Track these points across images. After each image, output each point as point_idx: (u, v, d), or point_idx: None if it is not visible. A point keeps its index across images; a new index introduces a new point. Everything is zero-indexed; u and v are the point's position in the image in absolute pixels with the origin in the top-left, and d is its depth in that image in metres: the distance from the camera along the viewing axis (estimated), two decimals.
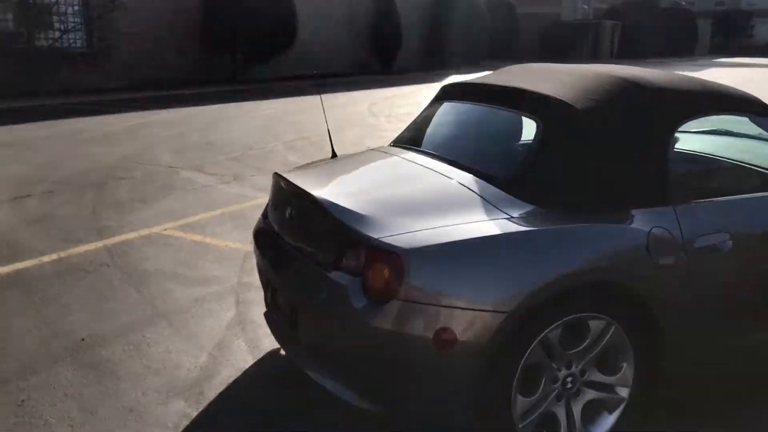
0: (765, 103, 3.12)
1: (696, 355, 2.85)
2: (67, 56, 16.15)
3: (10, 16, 15.72)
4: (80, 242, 5.16)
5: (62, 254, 4.88)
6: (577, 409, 2.63)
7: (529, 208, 2.61)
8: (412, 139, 3.47)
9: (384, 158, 3.30)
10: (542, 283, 2.40)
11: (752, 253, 2.88)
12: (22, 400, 3.00)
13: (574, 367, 2.58)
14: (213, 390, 3.11)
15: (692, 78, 3.13)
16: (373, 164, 3.30)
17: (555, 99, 2.85)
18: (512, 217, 2.55)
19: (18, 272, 4.51)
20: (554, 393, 2.58)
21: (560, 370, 2.56)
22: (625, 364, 2.66)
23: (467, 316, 2.35)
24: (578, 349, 2.56)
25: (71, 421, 2.85)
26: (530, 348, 2.44)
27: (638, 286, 2.58)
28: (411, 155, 3.21)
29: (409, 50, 27.58)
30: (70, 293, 4.19)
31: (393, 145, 3.51)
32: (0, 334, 3.62)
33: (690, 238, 2.70)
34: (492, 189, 2.71)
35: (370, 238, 2.46)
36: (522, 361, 2.43)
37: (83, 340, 3.58)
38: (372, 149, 3.55)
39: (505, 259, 2.43)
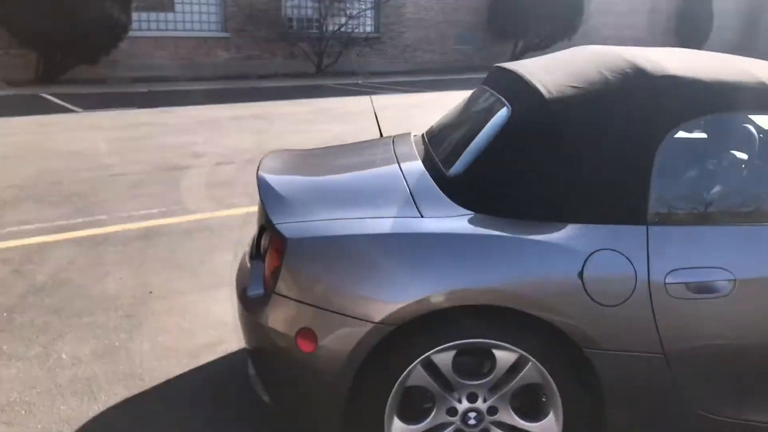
0: None
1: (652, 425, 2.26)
2: (352, 40, 17.44)
3: (310, 3, 17.45)
4: (232, 206, 5.64)
5: (205, 215, 5.40)
6: None
7: (453, 210, 2.28)
8: (433, 127, 3.21)
9: (380, 146, 3.09)
10: (427, 296, 2.09)
11: (761, 305, 2.17)
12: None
13: (479, 402, 2.22)
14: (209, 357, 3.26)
15: (747, 68, 2.42)
16: (359, 152, 3.11)
17: (531, 86, 2.44)
18: (422, 218, 2.25)
19: (148, 228, 5.09)
20: (451, 427, 2.24)
21: (460, 402, 2.22)
22: (551, 412, 2.21)
23: (332, 319, 2.15)
24: (483, 381, 2.20)
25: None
26: (409, 368, 2.15)
27: (562, 322, 2.11)
28: (406, 146, 2.97)
29: (720, 42, 24.78)
30: (179, 249, 4.64)
31: (419, 134, 3.28)
32: (95, 278, 4.16)
33: (661, 271, 2.13)
34: (429, 186, 2.42)
35: (271, 222, 2.37)
36: (398, 381, 2.16)
37: (151, 293, 3.95)
38: (390, 136, 3.34)
39: (387, 262, 2.16)
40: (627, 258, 2.14)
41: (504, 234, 2.17)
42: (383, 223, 2.24)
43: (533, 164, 2.29)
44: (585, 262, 2.12)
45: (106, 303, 3.80)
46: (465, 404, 2.22)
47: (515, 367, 2.18)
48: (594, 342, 2.13)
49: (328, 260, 2.20)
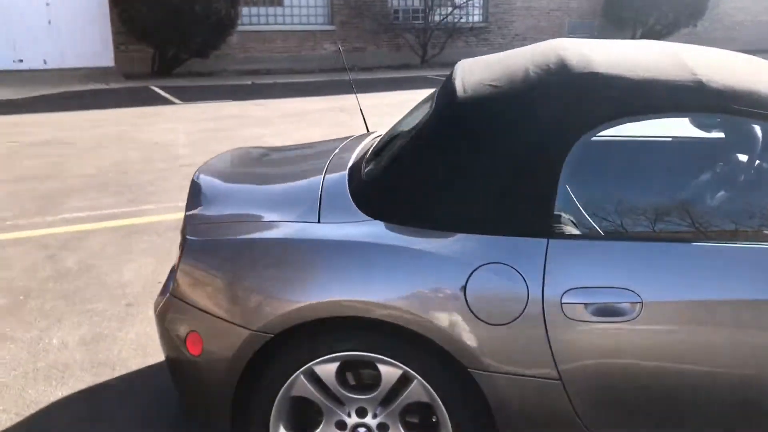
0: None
1: None
2: (457, 30, 17.21)
3: None
4: None
5: None
6: None
7: (352, 216, 2.18)
8: (391, 128, 3.07)
9: (329, 147, 2.98)
10: (305, 305, 2.02)
11: (670, 333, 1.92)
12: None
13: (369, 417, 2.12)
14: None
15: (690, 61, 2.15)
16: (309, 153, 3.01)
17: (451, 85, 2.29)
18: (318, 223, 2.17)
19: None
20: None
21: (350, 416, 2.13)
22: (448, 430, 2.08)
23: (216, 324, 2.13)
24: (370, 395, 2.10)
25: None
26: (292, 378, 2.09)
27: (444, 339, 1.97)
28: (352, 148, 2.85)
29: None
30: None
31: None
32: (116, 266, 4.35)
33: (558, 289, 1.94)
34: (341, 191, 2.32)
35: (184, 221, 2.37)
36: (281, 391, 2.10)
37: (159, 282, 4.09)
38: (350, 136, 3.21)
39: (269, 268, 2.10)
40: (519, 273, 1.96)
41: (389, 243, 2.05)
42: (275, 228, 2.18)
43: (433, 169, 2.14)
44: (470, 276, 1.96)
45: (115, 291, 3.97)
46: (354, 419, 2.13)
47: (401, 384, 2.07)
48: (480, 363, 1.98)
49: (217, 263, 2.17)
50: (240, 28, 15.27)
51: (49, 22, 14.25)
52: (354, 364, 2.09)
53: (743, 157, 2.22)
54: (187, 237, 2.24)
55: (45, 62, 14.37)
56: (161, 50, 14.19)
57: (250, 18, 15.91)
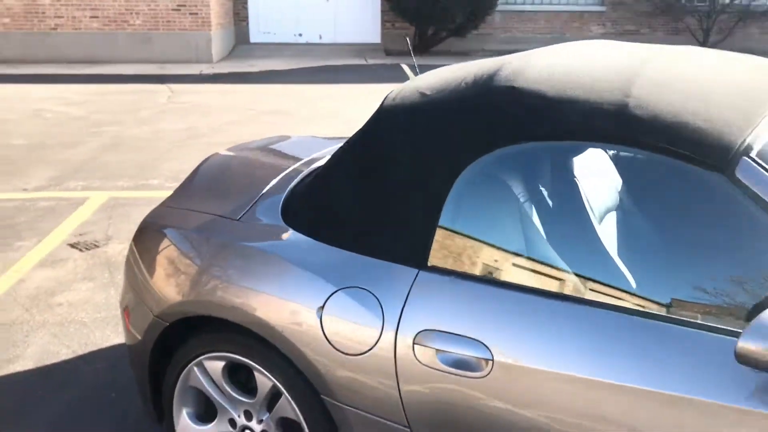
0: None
1: None
2: (750, 14, 15.22)
3: None
4: None
5: None
6: None
7: (270, 219, 2.15)
8: None
9: (317, 145, 2.88)
10: (189, 300, 2.07)
11: (522, 402, 1.60)
12: None
13: (253, 421, 2.10)
14: None
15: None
16: (302, 147, 2.92)
17: (391, 94, 2.13)
18: (235, 221, 2.18)
19: None
20: None
21: (239, 416, 2.13)
22: None
23: (136, 304, 2.27)
24: (251, 401, 2.08)
25: None
26: (187, 368, 2.15)
27: (298, 359, 1.88)
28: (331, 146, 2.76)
29: None
30: None
31: None
32: None
33: (414, 327, 1.74)
34: (281, 191, 2.29)
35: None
36: (180, 378, 2.18)
37: None
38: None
39: (176, 257, 2.17)
40: (379, 302, 1.78)
41: (266, 250, 1.99)
42: (201, 220, 2.23)
43: (330, 177, 2.03)
44: (329, 297, 1.83)
45: None
46: (242, 420, 2.12)
47: (273, 395, 2.01)
48: (331, 392, 1.85)
49: (145, 246, 2.29)
50: (502, 7, 15.15)
51: (327, 0, 15.46)
52: (239, 366, 2.08)
53: (640, 214, 1.74)
54: (144, 219, 2.39)
55: (320, 37, 15.66)
56: (420, 29, 14.64)
57: None
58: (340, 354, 1.81)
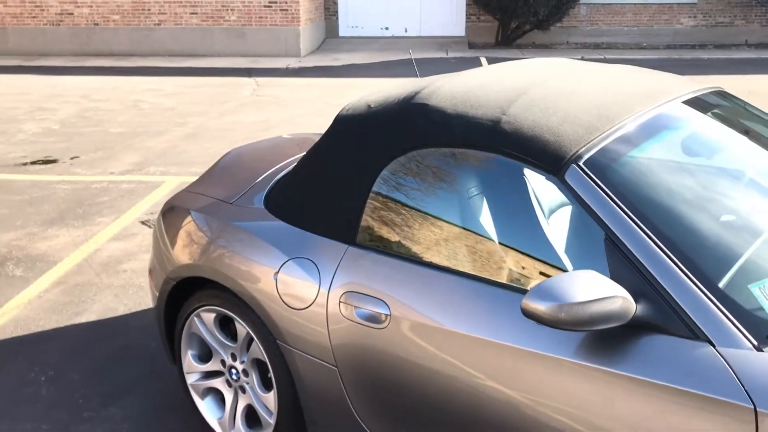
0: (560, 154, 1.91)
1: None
2: None
3: None
4: None
5: None
6: (241, 405, 2.68)
7: (255, 203, 2.69)
8: None
9: None
10: (190, 264, 2.64)
11: (411, 348, 2.06)
12: None
13: (237, 362, 2.65)
14: None
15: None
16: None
17: (346, 105, 2.62)
18: (227, 203, 2.74)
19: None
20: (223, 376, 2.73)
21: (228, 358, 2.69)
22: (274, 388, 2.52)
23: (156, 267, 2.87)
24: (234, 345, 2.63)
25: None
26: (188, 317, 2.72)
27: (260, 313, 2.41)
28: None
29: None
30: None
31: None
32: None
33: (340, 289, 2.24)
34: (271, 181, 2.83)
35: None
36: (185, 326, 2.75)
37: None
38: None
39: (184, 230, 2.74)
40: (318, 270, 2.29)
41: (247, 226, 2.53)
42: (203, 201, 2.80)
43: (298, 169, 2.54)
44: (282, 264, 2.35)
45: None
46: (230, 361, 2.68)
47: (247, 340, 2.55)
48: (282, 337, 2.37)
49: (170, 220, 2.88)
50: (586, 1, 15.15)
51: None
52: (227, 318, 2.63)
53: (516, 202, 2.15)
54: (168, 200, 2.99)
55: (406, 30, 16.15)
56: (503, 22, 14.88)
57: None
58: (289, 308, 2.32)
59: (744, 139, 2.49)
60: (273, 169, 2.94)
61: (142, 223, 5.16)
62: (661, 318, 1.71)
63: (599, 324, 1.66)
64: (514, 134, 2.03)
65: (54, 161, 6.79)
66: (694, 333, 1.66)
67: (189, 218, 2.77)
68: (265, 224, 2.52)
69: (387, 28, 16.12)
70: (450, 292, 2.02)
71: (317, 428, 2.41)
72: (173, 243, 2.75)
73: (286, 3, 13.72)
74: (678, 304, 1.69)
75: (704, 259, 1.78)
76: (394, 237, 2.20)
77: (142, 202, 5.60)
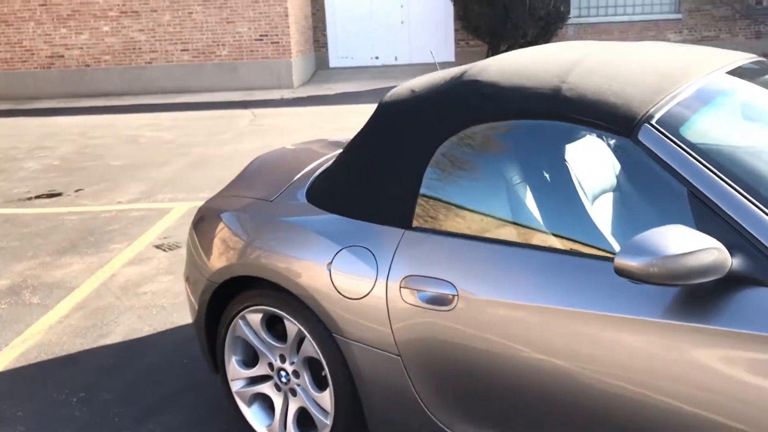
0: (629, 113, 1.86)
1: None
2: None
3: None
4: None
5: None
6: (292, 408, 2.57)
7: (296, 199, 2.62)
8: None
9: None
10: (236, 264, 2.55)
11: (482, 327, 1.97)
12: None
13: (287, 363, 2.55)
14: None
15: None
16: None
17: (389, 93, 2.56)
18: (268, 201, 2.66)
19: None
20: (271, 380, 2.62)
21: (275, 360, 2.58)
22: (329, 387, 2.42)
23: (194, 273, 2.77)
24: (283, 345, 2.53)
25: None
26: (232, 320, 2.62)
27: (314, 306, 2.32)
28: None
29: None
30: None
31: None
32: None
33: (400, 275, 2.15)
34: (309, 179, 2.75)
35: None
36: (228, 330, 2.65)
37: None
38: None
39: (221, 231, 2.66)
40: (374, 257, 2.21)
41: (294, 221, 2.44)
42: (242, 202, 2.72)
43: (343, 161, 2.46)
44: (336, 254, 2.27)
45: None
46: (278, 363, 2.57)
47: (298, 339, 2.45)
48: (339, 330, 2.27)
49: (207, 223, 2.79)
50: (575, 20, 15.34)
51: (402, 22, 16.06)
52: (275, 316, 2.53)
53: (581, 172, 2.08)
54: (203, 204, 2.91)
55: (396, 59, 16.25)
56: (493, 45, 15.01)
57: (588, 10, 15.80)
58: (345, 299, 2.24)
59: None
60: (308, 168, 2.87)
61: (156, 247, 5.06)
62: (759, 270, 1.64)
63: (696, 278, 1.59)
64: (578, 99, 1.98)
65: (58, 194, 6.69)
66: None
67: (229, 218, 2.68)
68: (312, 217, 2.44)
69: (377, 58, 16.21)
70: (524, 267, 1.95)
71: (380, 423, 2.30)
72: (213, 245, 2.66)
73: (277, 36, 13.78)
74: None
75: None
76: (454, 217, 2.13)
77: (153, 228, 5.50)
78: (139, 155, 8.30)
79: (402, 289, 2.13)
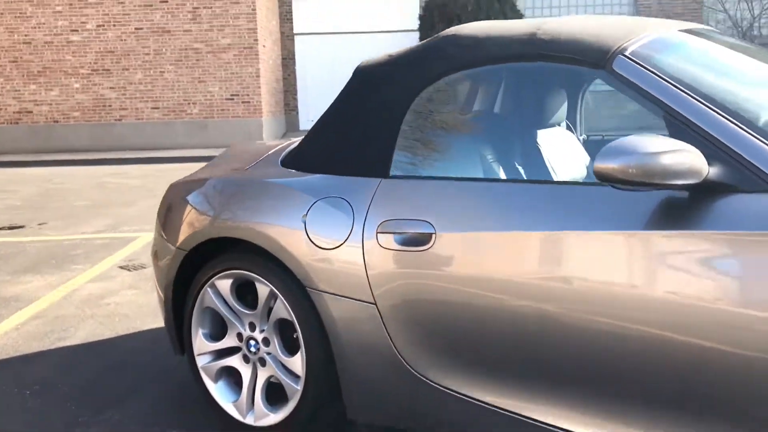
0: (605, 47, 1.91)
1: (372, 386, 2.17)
2: None
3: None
4: None
5: None
6: (261, 379, 2.47)
7: (271, 166, 2.59)
8: None
9: None
10: (206, 227, 2.49)
11: (461, 263, 1.94)
12: None
13: (257, 331, 2.46)
14: None
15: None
16: None
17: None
18: (242, 169, 2.63)
19: None
20: (239, 352, 2.52)
21: (245, 329, 2.49)
22: (300, 349, 2.33)
23: (161, 245, 2.71)
24: (255, 311, 2.45)
25: None
26: (200, 290, 2.53)
27: (288, 259, 2.26)
28: None
29: None
30: None
31: None
32: None
33: (376, 221, 2.12)
34: (286, 149, 2.74)
35: None
36: (196, 300, 2.56)
37: None
38: None
39: (191, 198, 2.61)
40: (350, 206, 2.17)
41: (266, 181, 2.41)
42: (212, 172, 2.68)
43: (320, 122, 2.47)
44: (311, 206, 2.23)
45: None
46: (248, 332, 2.48)
47: (269, 301, 2.37)
48: (312, 282, 2.21)
49: (177, 193, 2.74)
50: None
51: None
52: (245, 283, 2.46)
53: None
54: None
55: None
56: None
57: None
58: (320, 249, 2.19)
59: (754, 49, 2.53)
60: (280, 147, 2.85)
61: (121, 267, 4.93)
62: (736, 177, 1.65)
63: (673, 178, 1.60)
64: (553, 39, 2.02)
65: (21, 227, 6.54)
66: None
67: (201, 185, 2.64)
68: (289, 178, 2.41)
69: None
70: (500, 199, 1.94)
71: (354, 384, 2.21)
72: (184, 212, 2.60)
73: (248, 95, 13.96)
74: (750, 162, 1.65)
75: (765, 125, 1.76)
76: (432, 162, 2.13)
77: (118, 253, 5.38)
78: (106, 197, 8.20)
79: (379, 234, 2.09)
